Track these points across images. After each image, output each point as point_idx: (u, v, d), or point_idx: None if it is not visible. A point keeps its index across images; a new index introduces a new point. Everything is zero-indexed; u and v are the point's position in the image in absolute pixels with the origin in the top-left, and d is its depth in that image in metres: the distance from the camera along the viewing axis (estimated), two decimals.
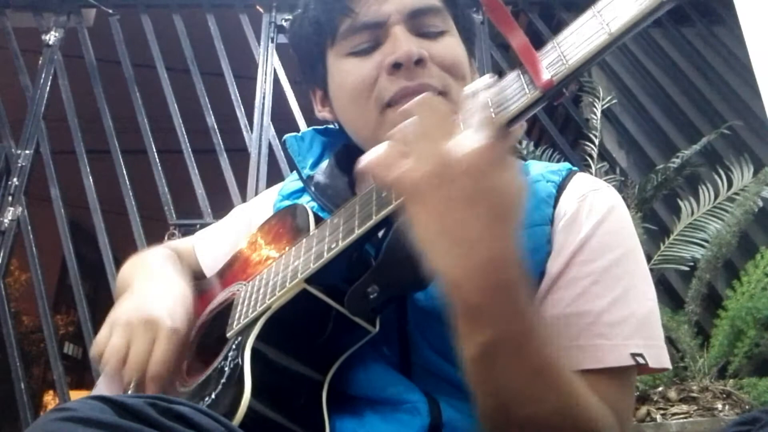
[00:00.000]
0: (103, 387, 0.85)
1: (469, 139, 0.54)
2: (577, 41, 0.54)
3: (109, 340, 0.73)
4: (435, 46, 0.81)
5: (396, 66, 0.78)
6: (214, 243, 1.00)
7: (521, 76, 0.57)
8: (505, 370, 0.58)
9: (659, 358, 0.70)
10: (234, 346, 0.68)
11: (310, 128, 0.96)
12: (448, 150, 0.53)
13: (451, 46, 0.83)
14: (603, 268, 0.71)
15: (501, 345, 0.57)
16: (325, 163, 0.91)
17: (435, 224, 0.55)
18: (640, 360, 0.68)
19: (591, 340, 0.68)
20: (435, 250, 0.56)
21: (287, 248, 0.73)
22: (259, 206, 1.00)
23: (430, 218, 0.55)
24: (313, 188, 0.87)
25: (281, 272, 0.69)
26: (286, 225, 0.80)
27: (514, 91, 0.57)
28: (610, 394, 0.66)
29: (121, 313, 0.75)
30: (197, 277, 0.95)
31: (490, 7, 0.57)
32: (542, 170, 0.81)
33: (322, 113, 0.92)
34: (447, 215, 0.54)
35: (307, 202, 0.85)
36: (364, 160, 0.58)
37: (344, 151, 0.91)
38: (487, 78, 0.59)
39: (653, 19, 0.51)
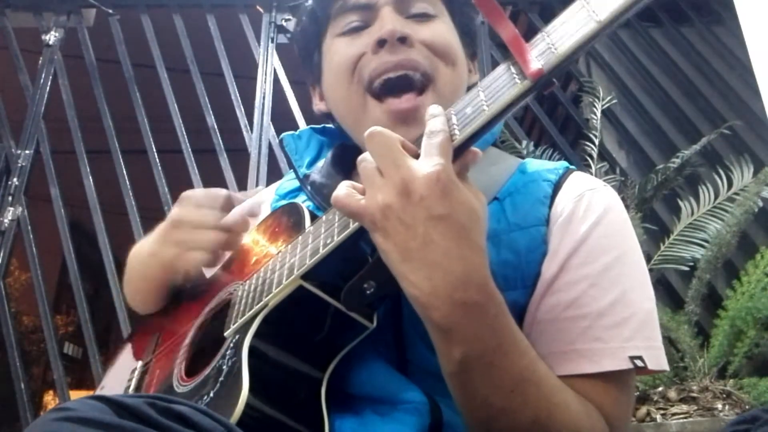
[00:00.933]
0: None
1: (422, 165, 0.56)
2: (566, 31, 0.54)
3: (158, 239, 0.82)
4: (423, 29, 0.82)
5: (380, 43, 0.79)
6: None
7: (511, 67, 0.57)
8: (481, 385, 0.60)
9: (658, 359, 0.70)
10: (232, 345, 0.68)
11: (308, 127, 0.96)
12: (403, 178, 0.56)
13: (440, 30, 0.84)
14: (599, 271, 0.71)
15: (474, 361, 0.58)
16: (321, 162, 0.91)
17: (397, 250, 0.57)
18: (639, 363, 0.67)
19: (588, 344, 0.68)
20: (402, 274, 0.58)
21: (283, 246, 0.73)
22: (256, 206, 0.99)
23: (392, 245, 0.57)
24: (309, 187, 0.87)
25: (278, 270, 0.69)
26: (282, 224, 0.80)
27: (504, 82, 0.57)
28: (607, 399, 0.66)
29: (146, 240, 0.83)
30: (196, 277, 0.95)
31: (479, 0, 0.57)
32: (539, 169, 0.81)
33: (318, 106, 0.93)
34: (408, 241, 0.57)
35: (303, 201, 0.85)
36: (332, 196, 0.61)
37: (341, 150, 0.91)
38: (434, 108, 0.61)
39: (641, 6, 0.52)
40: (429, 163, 0.56)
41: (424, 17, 0.83)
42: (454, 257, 0.56)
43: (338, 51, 0.83)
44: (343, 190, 0.60)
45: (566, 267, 0.71)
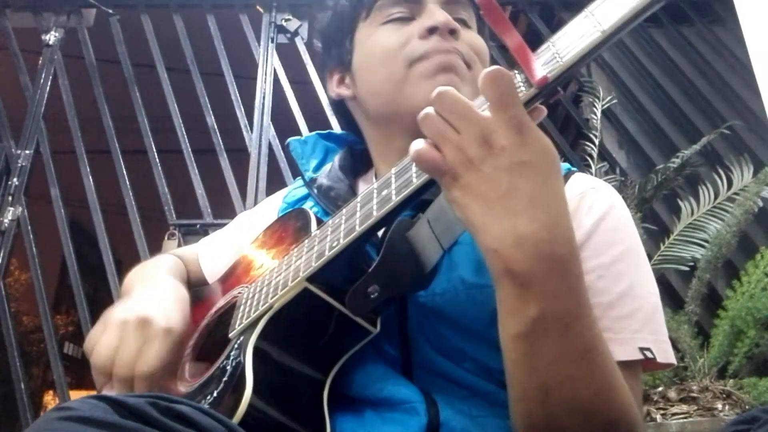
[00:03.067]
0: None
1: (500, 115, 0.55)
2: (571, 40, 0.55)
3: (101, 337, 0.72)
4: (467, 32, 0.86)
5: (431, 30, 0.81)
6: (217, 250, 1.01)
7: (517, 75, 0.58)
8: (552, 348, 0.57)
9: (666, 353, 0.71)
10: (236, 346, 0.68)
11: (314, 132, 0.97)
12: (481, 131, 0.55)
13: (478, 37, 0.88)
14: (607, 264, 0.71)
15: (550, 322, 0.56)
16: (328, 167, 0.92)
17: (478, 202, 0.55)
18: (649, 354, 0.68)
19: None
20: (483, 227, 0.55)
21: (290, 250, 0.73)
22: (263, 212, 1.00)
23: (472, 197, 0.55)
24: (315, 191, 0.88)
25: (283, 272, 0.70)
26: (289, 228, 0.81)
27: None
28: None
29: (116, 312, 0.75)
30: (201, 284, 0.95)
31: (485, 7, 0.58)
32: None
33: (338, 90, 0.93)
34: (492, 192, 0.55)
35: (310, 207, 0.86)
36: (412, 151, 0.58)
37: (347, 154, 0.91)
38: (495, 69, 0.59)
39: (645, 16, 0.53)
40: (504, 113, 0.55)
41: (465, 22, 0.87)
42: (539, 204, 0.54)
43: (384, 36, 0.84)
44: (422, 144, 0.58)
45: None
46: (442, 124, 0.57)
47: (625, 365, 0.67)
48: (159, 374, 0.70)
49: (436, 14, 0.82)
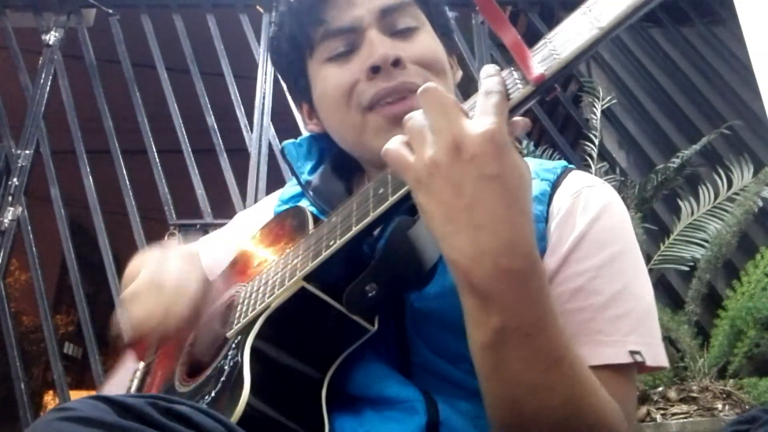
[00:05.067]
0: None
1: (476, 123, 0.54)
2: (568, 36, 0.55)
3: (130, 308, 0.73)
4: (410, 46, 0.81)
5: (374, 70, 0.78)
6: (214, 249, 1.01)
7: (513, 72, 0.58)
8: (516, 359, 0.57)
9: (656, 356, 0.70)
10: (234, 345, 0.68)
11: (308, 134, 0.97)
12: (454, 135, 0.54)
13: (425, 42, 0.83)
14: (600, 265, 0.71)
15: (511, 333, 0.56)
16: (322, 168, 0.91)
17: (442, 210, 0.54)
18: (638, 358, 0.67)
19: (590, 336, 0.68)
20: (444, 236, 0.55)
21: (286, 249, 0.73)
22: (260, 211, 1.00)
23: (436, 204, 0.55)
24: (311, 193, 0.88)
25: (280, 271, 0.70)
26: (285, 227, 0.81)
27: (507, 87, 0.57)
28: (613, 390, 0.66)
29: (127, 291, 0.76)
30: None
31: (482, 5, 0.57)
32: (536, 168, 0.81)
33: (309, 126, 0.93)
34: (454, 201, 0.54)
35: (306, 206, 0.86)
36: (383, 148, 0.58)
37: (340, 155, 0.91)
38: (490, 68, 0.59)
39: (643, 12, 0.53)
40: (484, 121, 0.53)
41: (408, 32, 0.82)
42: (502, 220, 0.53)
43: (330, 79, 0.82)
44: (395, 143, 0.57)
45: (568, 260, 0.72)
46: (420, 122, 0.56)
47: (616, 368, 0.67)
48: (181, 323, 0.72)
49: (374, 48, 0.79)
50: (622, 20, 0.52)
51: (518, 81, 0.57)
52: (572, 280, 0.71)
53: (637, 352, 0.68)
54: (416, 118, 0.57)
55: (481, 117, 0.54)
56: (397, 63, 0.78)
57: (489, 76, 0.58)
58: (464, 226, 0.54)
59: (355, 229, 0.63)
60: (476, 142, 0.53)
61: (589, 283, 0.70)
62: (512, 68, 0.58)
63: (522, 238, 0.55)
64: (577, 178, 0.80)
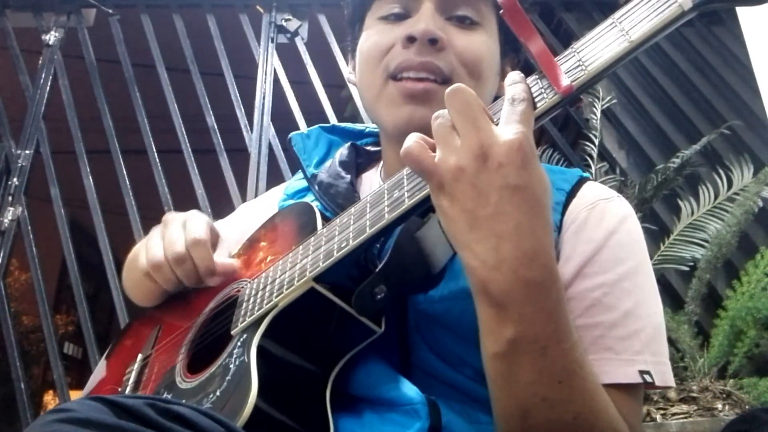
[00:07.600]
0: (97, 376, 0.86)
1: (503, 131, 0.53)
2: (596, 48, 0.55)
3: (148, 244, 0.80)
4: (460, 36, 0.80)
5: (410, 39, 0.78)
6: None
7: (539, 81, 0.57)
8: (529, 370, 0.56)
9: (664, 375, 0.69)
10: (239, 344, 0.68)
11: (317, 126, 0.96)
12: (482, 142, 0.53)
13: (476, 40, 0.81)
14: (614, 281, 0.70)
15: (526, 344, 0.55)
16: (329, 162, 0.91)
17: (464, 217, 0.54)
18: (647, 378, 0.66)
19: (600, 353, 0.67)
20: (465, 243, 0.55)
21: (294, 246, 0.73)
22: (265, 204, 1.00)
23: (459, 211, 0.54)
24: (316, 187, 0.87)
25: (288, 270, 0.69)
26: (291, 223, 0.80)
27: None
28: (620, 408, 0.65)
29: (140, 243, 0.83)
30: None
31: (509, 12, 0.57)
32: (552, 178, 0.81)
33: (349, 75, 0.94)
34: (477, 209, 0.53)
35: (311, 201, 0.85)
36: (403, 148, 0.57)
37: (350, 150, 0.91)
38: (515, 75, 0.58)
39: (673, 28, 0.53)
40: (511, 129, 0.53)
41: (465, 22, 0.81)
42: (524, 231, 0.53)
43: (374, 35, 0.84)
44: (416, 143, 0.56)
45: (581, 275, 0.71)
46: (447, 125, 0.55)
47: (624, 387, 0.66)
48: (207, 240, 0.77)
49: (421, 20, 0.78)
50: (653, 35, 0.52)
51: (543, 90, 0.56)
52: (585, 294, 0.70)
53: (647, 372, 0.67)
54: (443, 118, 0.56)
55: (508, 125, 0.54)
56: (434, 41, 0.77)
57: (514, 83, 0.57)
58: (486, 234, 0.53)
59: (369, 233, 0.62)
60: (503, 151, 0.52)
61: (602, 298, 0.69)
62: (537, 77, 0.58)
63: (543, 249, 0.54)
64: (592, 189, 0.79)
